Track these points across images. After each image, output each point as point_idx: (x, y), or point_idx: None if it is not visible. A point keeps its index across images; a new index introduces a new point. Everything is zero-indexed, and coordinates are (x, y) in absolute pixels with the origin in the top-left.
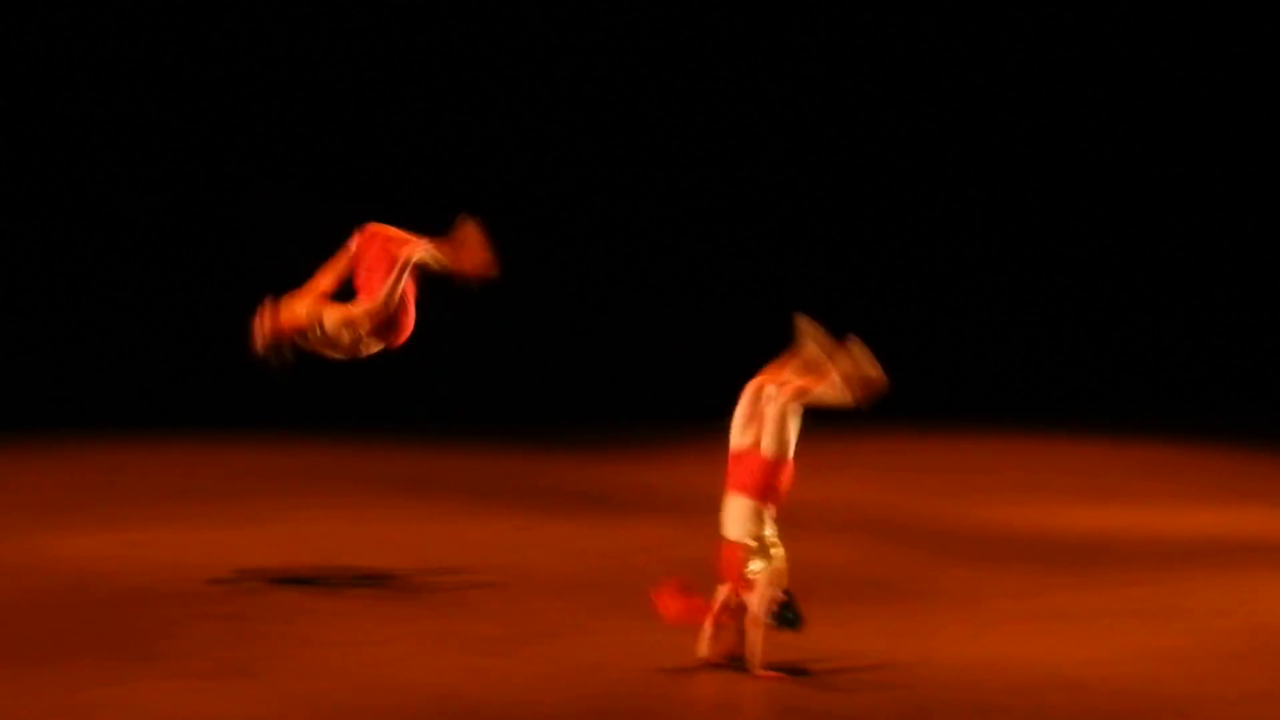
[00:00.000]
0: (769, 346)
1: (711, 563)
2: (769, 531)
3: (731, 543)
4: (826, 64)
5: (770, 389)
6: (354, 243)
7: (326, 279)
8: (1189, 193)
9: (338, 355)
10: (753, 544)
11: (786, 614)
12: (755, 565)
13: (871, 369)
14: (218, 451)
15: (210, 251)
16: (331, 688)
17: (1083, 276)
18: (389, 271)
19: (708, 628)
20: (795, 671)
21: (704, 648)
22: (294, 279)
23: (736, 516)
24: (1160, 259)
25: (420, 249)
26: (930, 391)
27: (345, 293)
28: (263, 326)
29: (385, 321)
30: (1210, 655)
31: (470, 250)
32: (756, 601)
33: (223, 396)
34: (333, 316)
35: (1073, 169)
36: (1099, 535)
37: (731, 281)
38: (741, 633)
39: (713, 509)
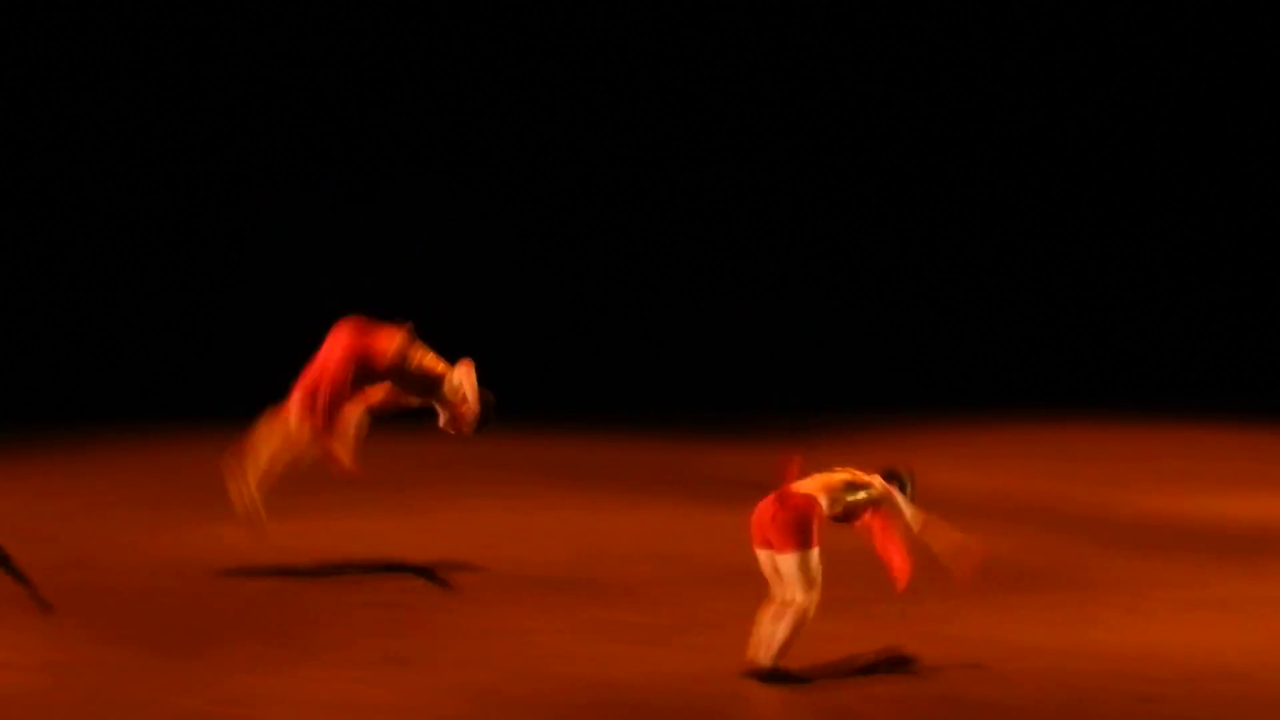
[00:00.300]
0: (921, 336)
1: (869, 553)
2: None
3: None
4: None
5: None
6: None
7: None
8: None
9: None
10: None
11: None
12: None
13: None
14: (377, 441)
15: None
16: (490, 677)
17: (1240, 260)
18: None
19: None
20: (958, 663)
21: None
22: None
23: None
24: None
25: (382, 397)
26: (1090, 380)
27: None
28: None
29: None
30: None
31: (461, 406)
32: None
33: None
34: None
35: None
36: (1262, 523)
37: (889, 271)
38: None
39: None
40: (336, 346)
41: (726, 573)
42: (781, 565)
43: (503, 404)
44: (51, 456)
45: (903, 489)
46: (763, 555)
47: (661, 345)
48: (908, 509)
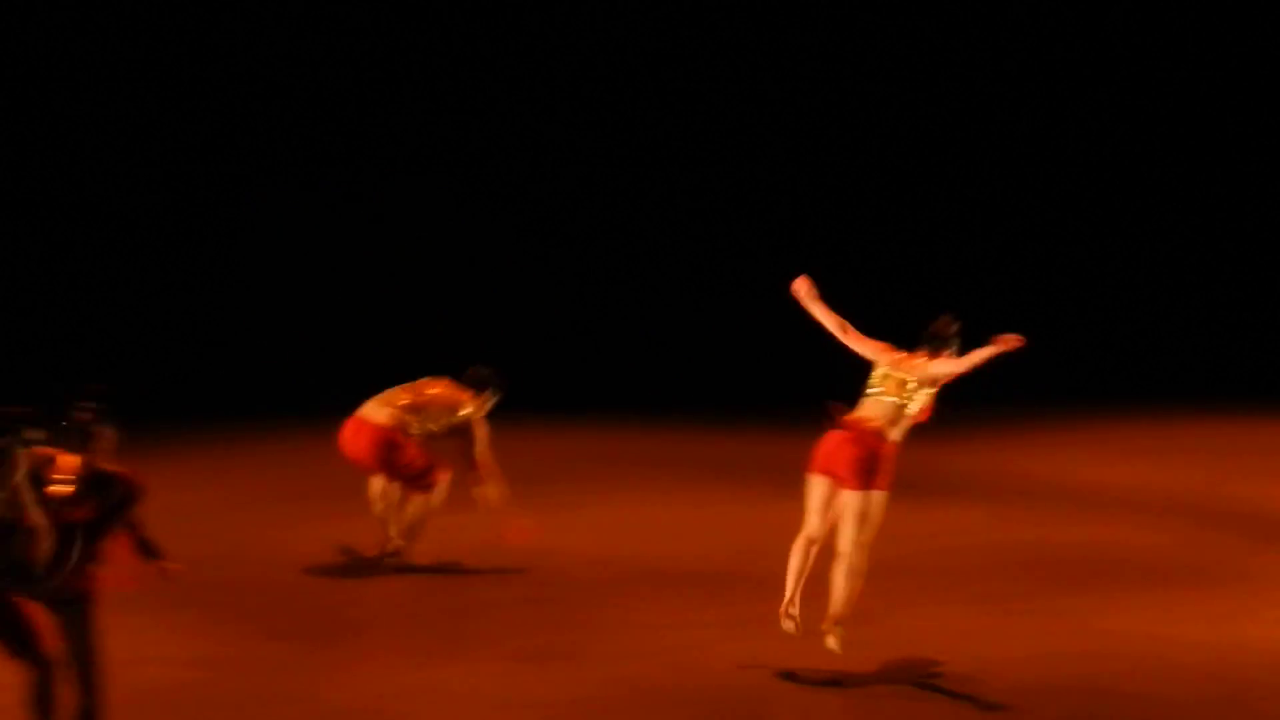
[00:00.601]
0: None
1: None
2: None
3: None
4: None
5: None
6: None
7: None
8: None
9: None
10: None
11: None
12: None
13: None
14: (532, 438)
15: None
16: (647, 670)
17: None
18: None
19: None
20: (1111, 656)
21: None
22: None
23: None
24: None
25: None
26: (1243, 374)
27: None
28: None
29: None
30: None
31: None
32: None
33: (533, 384)
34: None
35: None
36: None
37: (1032, 266)
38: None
39: (1024, 495)
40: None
41: (876, 567)
42: (846, 501)
43: (648, 401)
44: (200, 452)
45: None
46: (821, 484)
47: (797, 345)
48: None
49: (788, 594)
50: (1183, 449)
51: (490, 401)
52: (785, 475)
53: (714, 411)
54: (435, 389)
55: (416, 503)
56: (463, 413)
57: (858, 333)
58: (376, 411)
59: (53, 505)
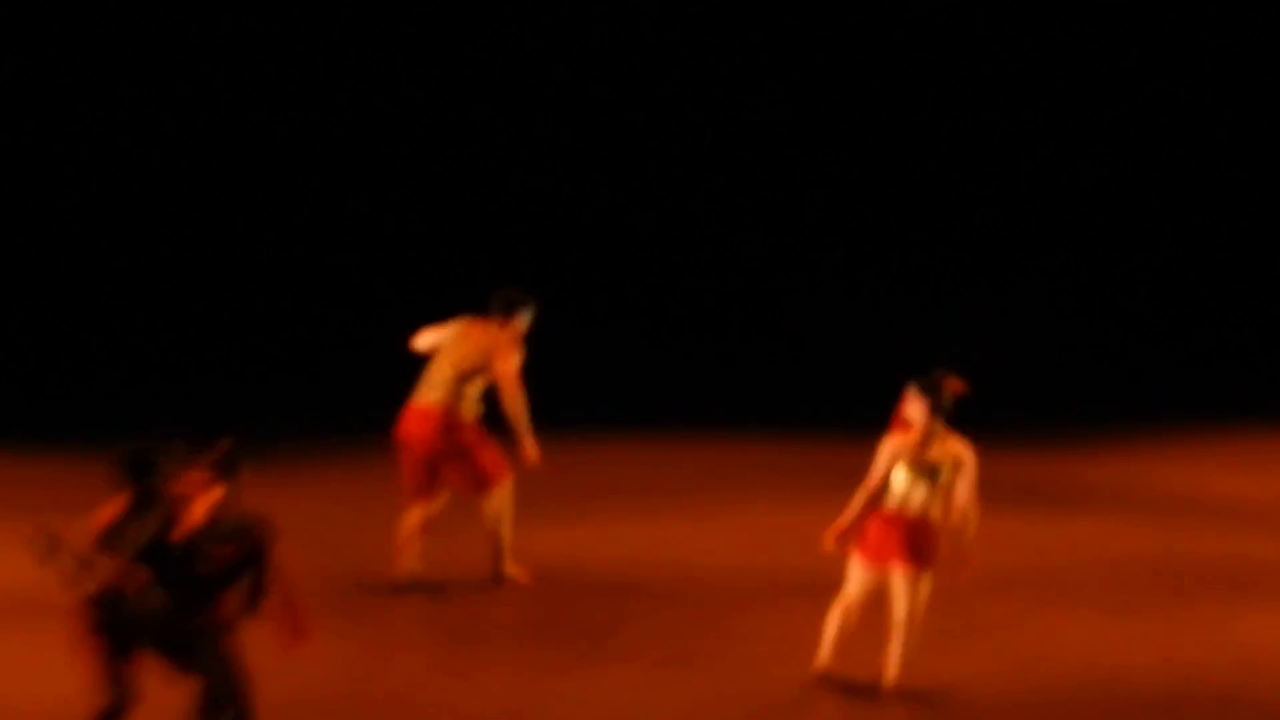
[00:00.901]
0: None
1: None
2: None
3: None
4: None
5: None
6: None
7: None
8: None
9: None
10: None
11: None
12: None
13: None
14: (671, 448)
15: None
16: (770, 683)
17: None
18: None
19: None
20: (1245, 665)
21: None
22: None
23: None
24: None
25: None
26: None
27: None
28: None
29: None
30: None
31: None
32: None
33: (668, 395)
34: None
35: None
36: None
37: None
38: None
39: (1150, 506)
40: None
41: (1003, 577)
42: (901, 577)
43: (772, 410)
44: (344, 463)
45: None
46: (869, 568)
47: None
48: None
49: (824, 658)
50: None
51: (524, 324)
52: None
53: (841, 419)
54: (466, 346)
55: (489, 516)
56: (499, 356)
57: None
58: (428, 394)
59: (189, 551)
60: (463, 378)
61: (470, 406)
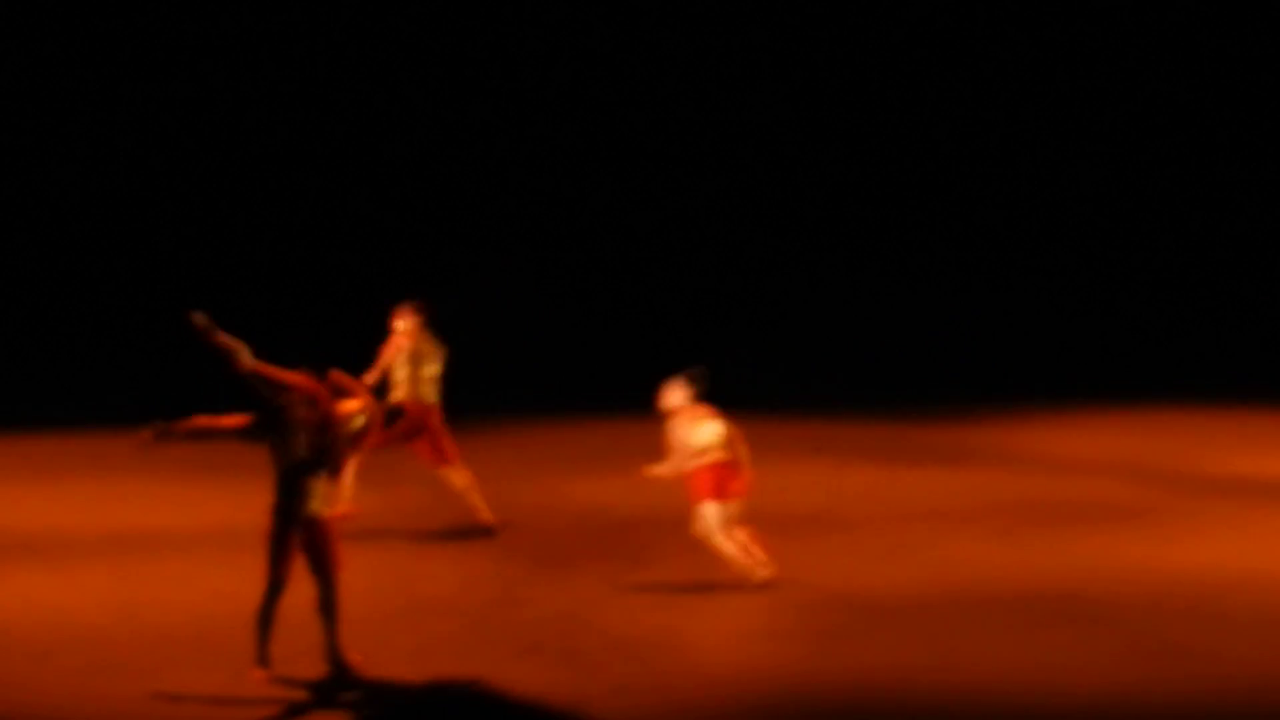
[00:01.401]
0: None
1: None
2: None
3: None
4: None
5: None
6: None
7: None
8: None
9: None
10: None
11: None
12: None
13: None
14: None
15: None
16: (754, 603)
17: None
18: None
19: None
20: (1078, 570)
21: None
22: None
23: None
24: None
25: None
26: (1202, 371)
27: None
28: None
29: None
30: None
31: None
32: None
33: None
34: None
35: None
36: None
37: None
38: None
39: (1017, 461)
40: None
41: (911, 513)
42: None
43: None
44: (508, 436)
45: None
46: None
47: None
48: None
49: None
50: (1146, 428)
51: (414, 322)
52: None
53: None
54: (390, 346)
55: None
56: (406, 349)
57: None
58: (400, 393)
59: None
60: (405, 364)
61: (427, 387)
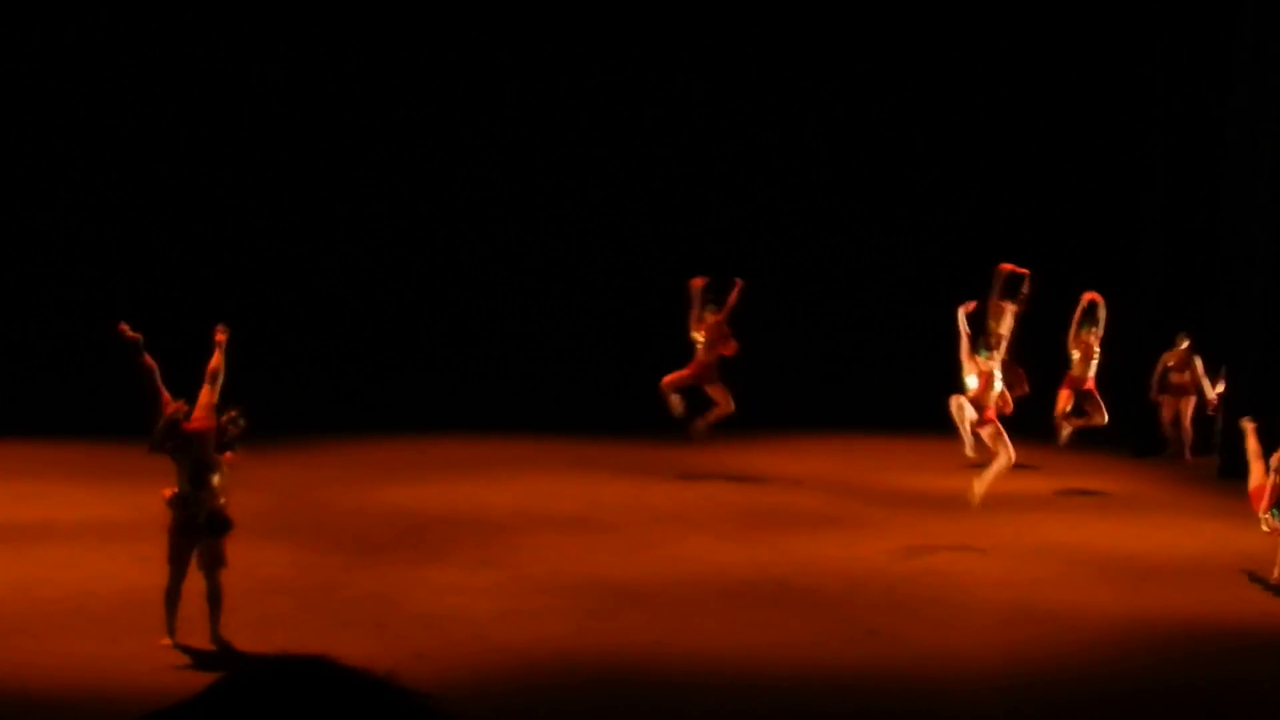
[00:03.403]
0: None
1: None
2: None
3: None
4: None
5: None
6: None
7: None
8: None
9: None
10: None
11: None
12: None
13: None
14: (495, 441)
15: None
16: (546, 573)
17: None
18: None
19: None
20: (784, 564)
21: None
22: None
23: None
24: None
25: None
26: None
27: None
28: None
29: None
30: None
31: None
32: None
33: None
34: None
35: None
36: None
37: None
38: None
39: (748, 475)
40: None
41: (661, 514)
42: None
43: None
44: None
45: None
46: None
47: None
48: None
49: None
50: (842, 451)
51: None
52: None
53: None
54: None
55: None
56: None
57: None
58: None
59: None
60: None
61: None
